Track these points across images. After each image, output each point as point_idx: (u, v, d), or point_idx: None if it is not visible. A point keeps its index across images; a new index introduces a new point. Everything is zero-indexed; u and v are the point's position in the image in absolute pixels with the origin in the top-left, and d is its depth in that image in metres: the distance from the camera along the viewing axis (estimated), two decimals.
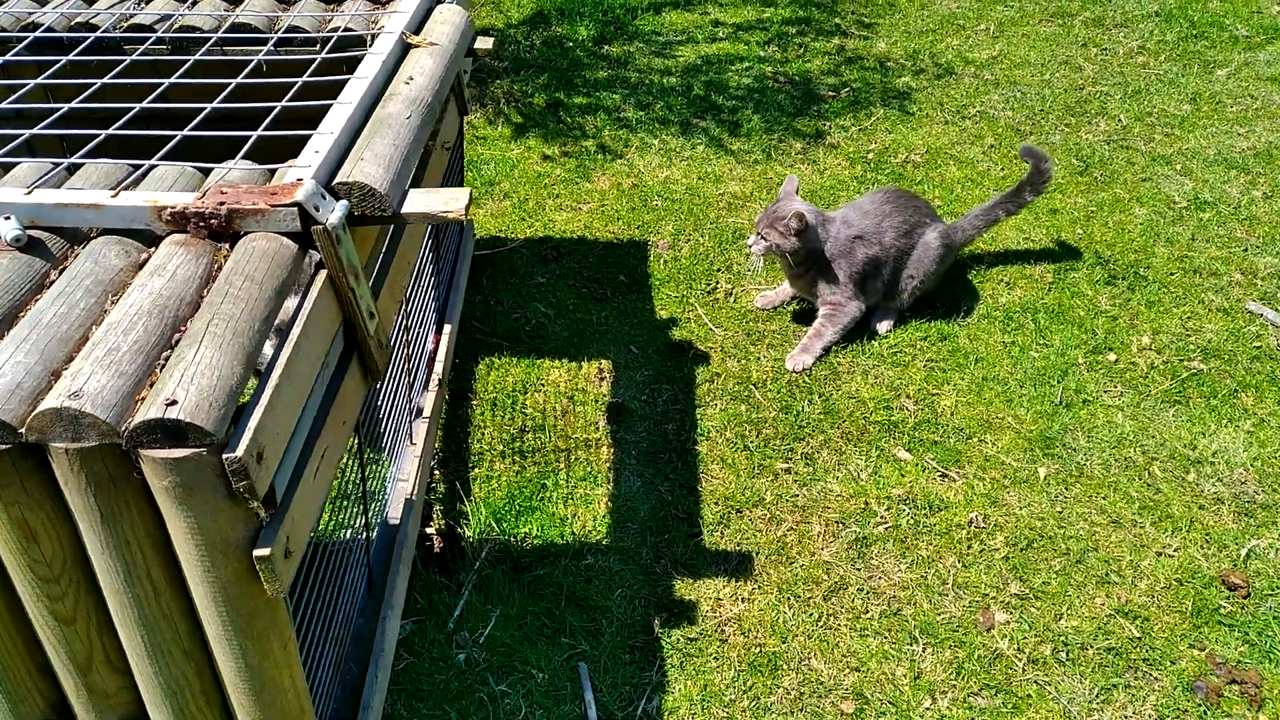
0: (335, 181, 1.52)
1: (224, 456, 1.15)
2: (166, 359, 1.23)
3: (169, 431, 1.13)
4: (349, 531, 2.16)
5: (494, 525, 2.33)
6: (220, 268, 1.39)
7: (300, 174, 1.48)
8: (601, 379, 2.78)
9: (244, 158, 1.54)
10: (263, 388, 1.25)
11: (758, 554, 2.29)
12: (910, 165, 3.81)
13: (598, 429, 2.62)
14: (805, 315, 3.00)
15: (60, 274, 1.38)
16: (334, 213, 1.45)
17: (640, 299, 3.08)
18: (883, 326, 2.98)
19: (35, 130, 1.57)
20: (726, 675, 2.03)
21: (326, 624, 1.82)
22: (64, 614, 1.33)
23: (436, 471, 2.47)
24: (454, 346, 2.79)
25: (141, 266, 1.38)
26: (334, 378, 1.53)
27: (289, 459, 1.32)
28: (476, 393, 2.70)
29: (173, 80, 1.77)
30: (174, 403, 1.13)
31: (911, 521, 2.38)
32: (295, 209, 1.42)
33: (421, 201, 1.61)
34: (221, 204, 1.43)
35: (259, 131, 1.60)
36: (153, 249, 1.43)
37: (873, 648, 2.10)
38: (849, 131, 4.02)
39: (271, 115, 1.66)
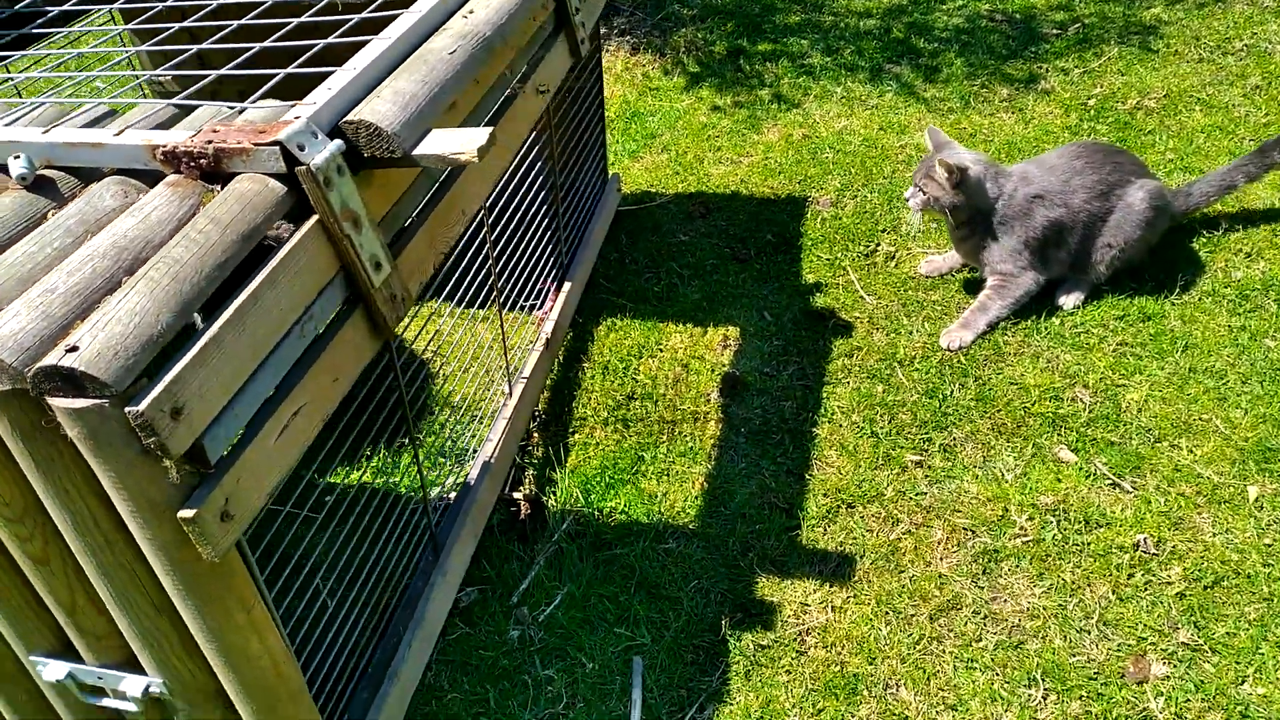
0: (342, 120, 1.40)
1: (127, 410, 1.06)
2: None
3: (68, 380, 1.05)
4: (431, 490, 2.10)
5: (581, 496, 2.18)
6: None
7: (300, 111, 1.37)
8: (725, 347, 2.54)
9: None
10: (194, 340, 1.16)
11: (861, 557, 1.99)
12: (1141, 112, 3.21)
13: (709, 401, 2.39)
14: (977, 285, 2.59)
15: (54, 214, 1.37)
16: (321, 153, 1.33)
17: (786, 261, 2.79)
18: (1068, 300, 2.51)
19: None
20: (796, 693, 1.77)
21: (360, 582, 1.75)
22: (36, 554, 1.32)
23: (536, 435, 2.35)
24: (576, 305, 2.65)
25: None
26: (326, 331, 1.42)
27: (234, 416, 1.22)
28: (590, 355, 2.55)
29: (242, 22, 1.73)
30: (74, 349, 1.06)
31: (1059, 537, 1.97)
32: (277, 149, 1.32)
33: (436, 143, 1.46)
34: (209, 143, 1.35)
35: (286, 70, 1.51)
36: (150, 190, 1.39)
37: (979, 684, 1.75)
38: (1069, 75, 3.46)
39: (310, 53, 1.57)
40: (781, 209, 3.01)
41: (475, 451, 2.21)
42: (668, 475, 2.22)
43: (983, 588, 1.90)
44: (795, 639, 1.85)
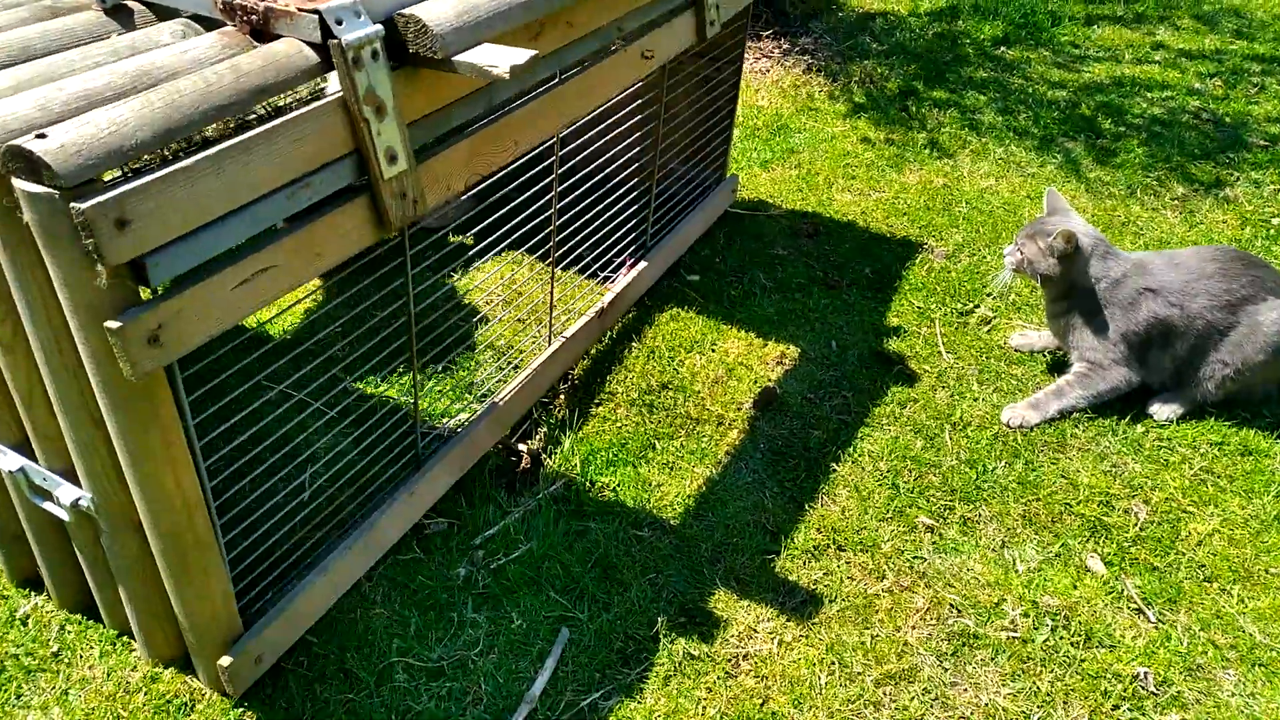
0: (396, 11, 1.44)
1: (71, 205, 1.12)
2: None
3: (28, 163, 1.12)
4: (438, 417, 2.09)
5: (579, 465, 2.15)
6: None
7: None
8: (779, 363, 2.44)
9: None
10: (168, 163, 1.22)
11: (831, 601, 1.86)
12: None
13: (739, 410, 2.31)
14: (1064, 370, 2.39)
15: (116, 36, 1.47)
16: (356, 32, 1.37)
17: (876, 298, 2.67)
18: (1162, 411, 2.27)
19: None
20: (707, 712, 1.67)
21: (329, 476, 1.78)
22: (4, 339, 1.42)
23: (563, 396, 2.34)
24: (649, 287, 2.63)
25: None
26: (320, 205, 1.45)
27: (189, 250, 1.26)
28: (644, 336, 2.52)
29: None
30: (42, 137, 1.13)
31: (1050, 643, 1.78)
32: (315, 18, 1.37)
33: (478, 54, 1.47)
34: (262, 1, 1.42)
35: None
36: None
37: None
38: (1261, 188, 3.14)
39: None
40: (891, 248, 2.88)
41: (488, 392, 2.22)
42: (670, 468, 2.15)
43: (946, 669, 1.74)
44: (729, 660, 1.75)
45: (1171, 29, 4.29)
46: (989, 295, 2.66)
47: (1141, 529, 2.01)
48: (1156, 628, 1.82)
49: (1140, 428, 2.25)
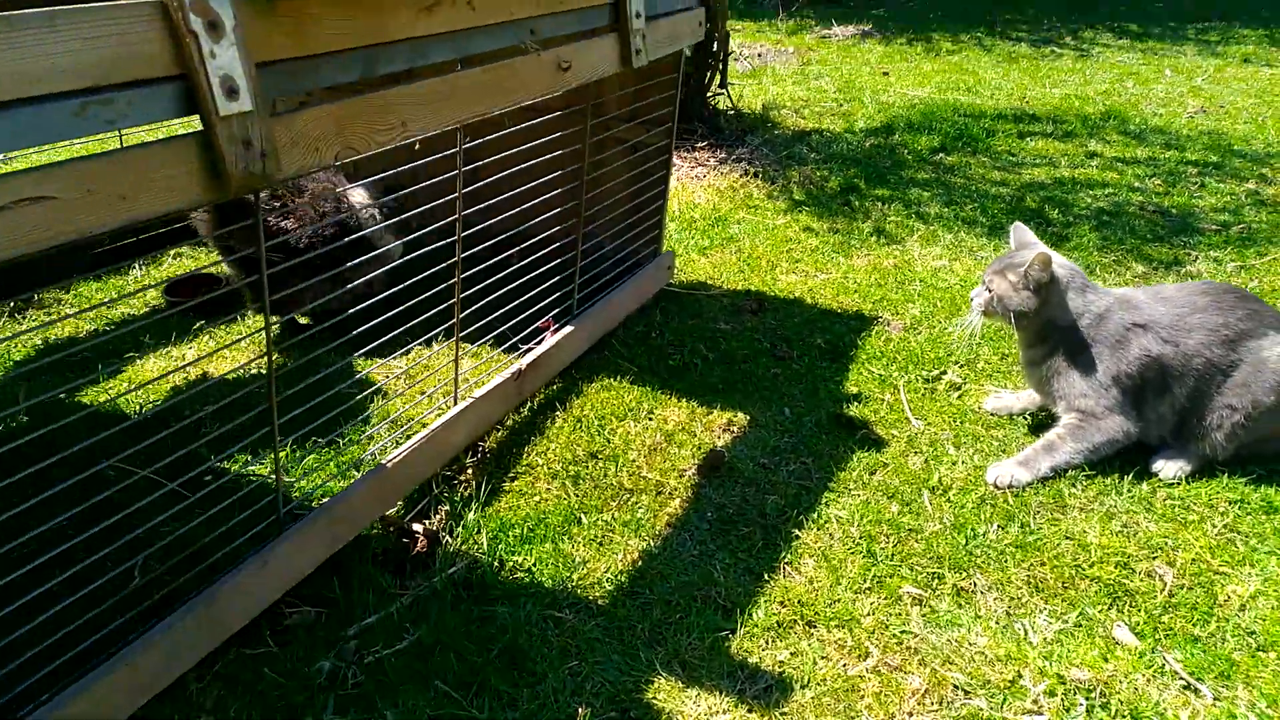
0: None
1: None
2: None
3: None
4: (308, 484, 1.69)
5: (485, 543, 1.75)
6: None
7: None
8: (726, 430, 2.10)
9: None
10: None
11: (804, 687, 1.45)
12: None
13: (681, 478, 1.94)
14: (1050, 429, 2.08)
15: None
16: None
17: (831, 368, 2.37)
18: (1168, 468, 1.96)
19: None
20: None
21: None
22: None
23: (470, 470, 1.95)
24: (575, 357, 2.30)
25: None
26: (146, 146, 1.13)
27: None
28: (570, 406, 2.17)
29: None
30: None
31: None
32: None
33: None
34: None
35: None
36: None
37: None
38: (1221, 264, 2.98)
39: None
40: (844, 321, 2.61)
41: (374, 457, 1.84)
42: (599, 543, 1.76)
43: None
44: None
45: (1102, 142, 4.29)
46: (958, 346, 2.38)
47: (1171, 594, 1.65)
48: (1215, 704, 1.43)
49: (1146, 486, 1.93)
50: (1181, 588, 1.67)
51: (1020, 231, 2.10)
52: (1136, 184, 3.73)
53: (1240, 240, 3.16)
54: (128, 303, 2.58)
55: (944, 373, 2.35)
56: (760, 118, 4.54)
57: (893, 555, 1.73)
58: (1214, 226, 3.29)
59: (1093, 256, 3.04)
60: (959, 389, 2.29)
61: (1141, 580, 1.68)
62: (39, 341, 2.36)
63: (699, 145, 4.10)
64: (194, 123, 1.16)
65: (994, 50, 6.25)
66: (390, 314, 1.74)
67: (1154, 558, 1.74)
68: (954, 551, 1.74)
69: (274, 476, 1.56)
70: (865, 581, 1.67)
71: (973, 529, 1.80)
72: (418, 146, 1.87)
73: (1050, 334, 1.98)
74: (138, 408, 2.10)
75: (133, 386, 2.15)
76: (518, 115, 1.91)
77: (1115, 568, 1.71)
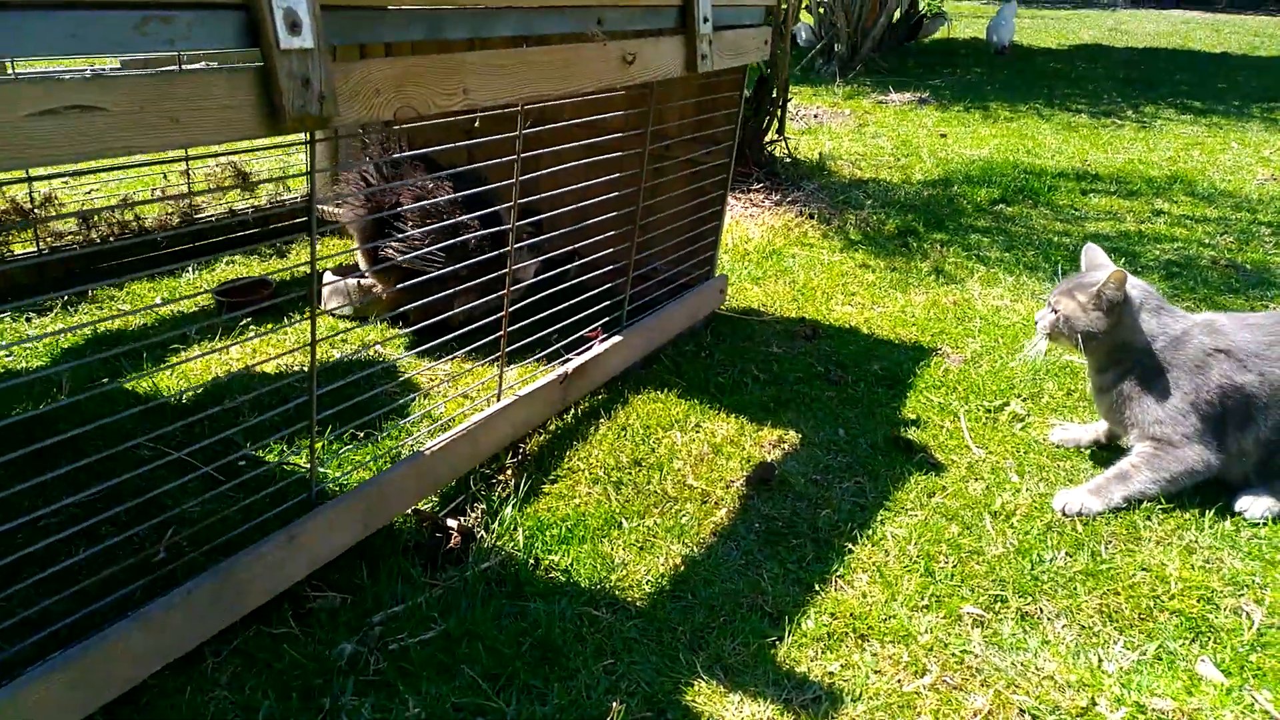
0: None
1: None
2: None
3: None
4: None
5: (521, 541, 1.67)
6: None
7: None
8: (776, 446, 2.01)
9: None
10: None
11: (855, 700, 1.33)
12: None
13: (728, 488, 1.86)
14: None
15: None
16: None
17: (888, 394, 2.28)
18: (1254, 507, 1.83)
19: None
20: None
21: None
22: None
23: (510, 470, 1.88)
24: (623, 368, 2.24)
25: None
26: (204, 74, 1.10)
27: None
28: (615, 414, 2.10)
29: None
30: None
31: None
32: None
33: None
34: None
35: None
36: None
37: None
38: None
39: None
40: (901, 351, 2.52)
41: (410, 443, 1.77)
42: (640, 547, 1.67)
43: None
44: None
45: (1169, 202, 4.19)
46: (1021, 380, 2.27)
47: (1260, 632, 1.52)
48: None
49: (1228, 522, 1.80)
50: (1271, 627, 1.53)
51: (1092, 252, 2.02)
52: (1207, 240, 3.62)
53: None
54: (179, 302, 2.58)
55: (1006, 404, 2.24)
56: (817, 166, 4.51)
57: (952, 575, 1.62)
58: None
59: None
60: (1022, 420, 2.18)
61: (1227, 617, 1.55)
62: (89, 333, 2.36)
63: (755, 188, 4.07)
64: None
65: (1052, 119, 6.19)
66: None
67: (1240, 595, 1.60)
68: (1018, 576, 1.62)
69: (308, 463, 1.51)
70: (923, 599, 1.56)
71: (1038, 554, 1.68)
72: (477, 124, 1.85)
73: (1122, 357, 1.88)
74: (179, 397, 2.07)
75: (177, 380, 2.12)
76: (579, 132, 1.90)
77: (1197, 602, 1.58)
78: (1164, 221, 3.86)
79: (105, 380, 2.09)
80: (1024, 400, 2.28)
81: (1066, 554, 1.69)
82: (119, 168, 1.82)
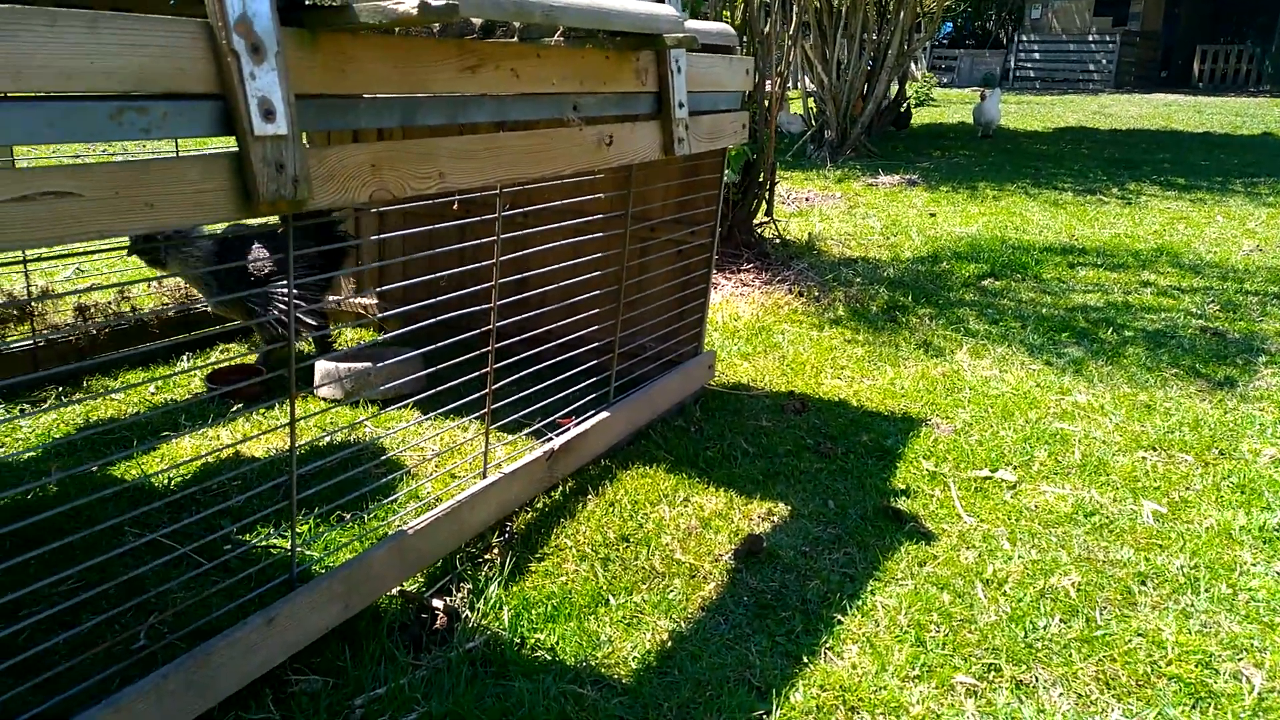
0: None
1: None
2: None
3: None
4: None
5: (507, 620, 1.65)
6: None
7: None
8: (766, 520, 2.00)
9: None
10: None
11: None
12: None
13: (717, 562, 1.83)
14: None
15: None
16: None
17: (878, 464, 2.27)
18: None
19: None
20: None
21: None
22: None
23: (496, 549, 1.87)
24: (610, 444, 2.24)
25: None
26: (179, 159, 1.14)
27: None
28: (603, 491, 2.09)
29: None
30: None
31: None
32: None
33: None
34: None
35: None
36: None
37: None
38: None
39: None
40: (890, 422, 2.52)
41: (394, 521, 1.76)
42: (627, 623, 1.65)
43: None
44: None
45: (1155, 273, 4.24)
46: (1011, 449, 2.27)
47: (1261, 697, 1.48)
48: None
49: (1225, 587, 1.77)
50: (1272, 691, 1.50)
51: None
52: (1194, 309, 3.65)
53: None
54: (170, 388, 2.59)
55: (997, 472, 2.23)
56: (806, 246, 4.58)
57: (944, 644, 1.59)
58: None
59: (1143, 372, 2.93)
60: (1014, 489, 2.17)
61: (1226, 682, 1.52)
62: (80, 422, 2.36)
63: (745, 268, 4.13)
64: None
65: (1039, 197, 6.31)
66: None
67: (1239, 659, 1.57)
68: (1012, 643, 1.59)
69: (290, 544, 1.50)
70: (914, 669, 1.52)
71: (1032, 621, 1.65)
72: (455, 206, 1.89)
73: None
74: (167, 480, 2.07)
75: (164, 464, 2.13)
76: (564, 213, 1.95)
77: (1196, 667, 1.54)
78: (1151, 292, 3.90)
79: (95, 468, 2.09)
80: (1014, 468, 2.27)
81: (1061, 620, 1.66)
82: (93, 252, 1.85)
